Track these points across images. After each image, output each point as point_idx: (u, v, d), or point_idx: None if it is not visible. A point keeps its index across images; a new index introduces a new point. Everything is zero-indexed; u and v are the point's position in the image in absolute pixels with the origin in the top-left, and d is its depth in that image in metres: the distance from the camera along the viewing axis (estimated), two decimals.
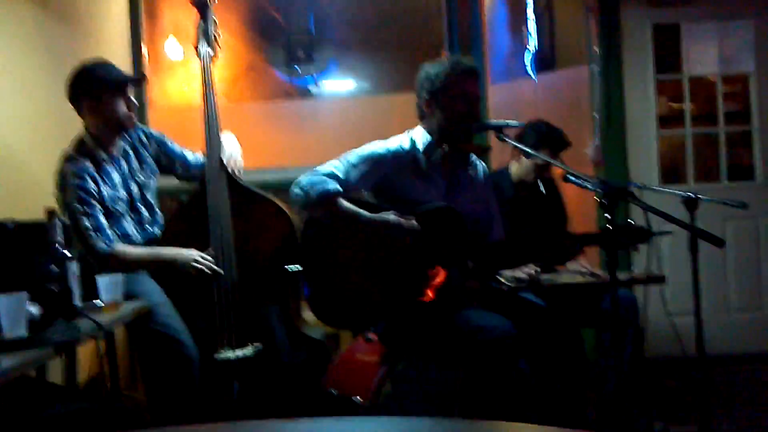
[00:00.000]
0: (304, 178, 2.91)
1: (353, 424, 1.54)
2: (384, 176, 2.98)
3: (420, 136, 3.04)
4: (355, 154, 2.97)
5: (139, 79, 3.29)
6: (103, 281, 2.61)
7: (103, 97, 3.08)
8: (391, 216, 2.89)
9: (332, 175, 2.91)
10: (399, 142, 3.04)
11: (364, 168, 2.95)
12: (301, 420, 1.57)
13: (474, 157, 3.20)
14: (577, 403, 3.16)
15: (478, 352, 2.75)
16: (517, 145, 3.01)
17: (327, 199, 2.86)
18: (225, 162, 3.24)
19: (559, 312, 3.39)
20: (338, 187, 2.88)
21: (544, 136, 3.60)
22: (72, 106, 3.14)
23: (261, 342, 3.13)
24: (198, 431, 1.48)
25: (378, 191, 3.02)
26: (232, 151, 3.30)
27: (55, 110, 3.76)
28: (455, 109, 2.96)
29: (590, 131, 4.90)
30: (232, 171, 3.25)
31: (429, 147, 3.01)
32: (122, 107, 3.10)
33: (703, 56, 5.07)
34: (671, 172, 5.18)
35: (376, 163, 2.96)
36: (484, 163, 3.28)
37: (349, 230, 2.93)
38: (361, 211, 2.90)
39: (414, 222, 2.88)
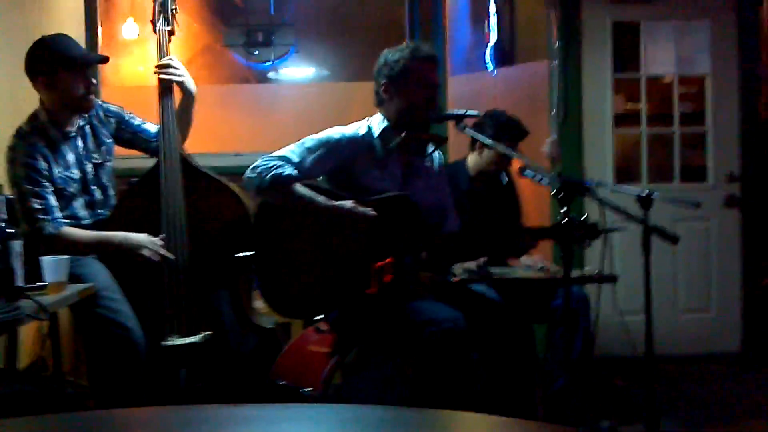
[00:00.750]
0: (258, 162, 2.86)
1: (299, 411, 1.51)
2: (340, 162, 2.94)
3: (377, 123, 3.01)
4: (311, 139, 2.94)
5: (101, 60, 3.19)
6: (47, 262, 2.53)
7: (60, 74, 2.98)
8: (347, 203, 2.85)
9: (287, 160, 2.86)
10: (356, 128, 3.01)
11: (320, 153, 2.91)
12: (248, 406, 1.54)
13: (431, 146, 3.18)
14: (526, 399, 3.16)
15: (428, 345, 2.74)
16: (476, 135, 2.99)
17: (281, 183, 2.82)
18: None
19: (512, 306, 3.40)
20: (293, 171, 2.83)
21: (503, 126, 3.59)
22: (29, 80, 3.04)
23: (210, 329, 3.07)
24: (142, 414, 1.44)
25: (333, 177, 2.99)
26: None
27: (7, 88, 3.65)
28: (414, 95, 2.94)
29: (547, 127, 4.91)
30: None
31: (385, 133, 2.98)
32: (80, 87, 3.01)
33: (661, 56, 5.10)
34: (625, 171, 5.22)
35: (332, 148, 2.93)
36: (440, 153, 3.26)
37: (302, 217, 2.89)
38: (317, 196, 2.86)
39: (369, 209, 2.85)
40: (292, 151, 2.89)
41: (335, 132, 2.98)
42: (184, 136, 3.27)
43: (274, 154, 2.89)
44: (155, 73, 3.22)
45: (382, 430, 1.25)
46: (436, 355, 2.75)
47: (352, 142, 2.97)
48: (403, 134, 2.96)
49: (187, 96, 3.26)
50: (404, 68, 2.93)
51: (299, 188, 2.86)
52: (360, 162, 2.97)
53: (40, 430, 1.33)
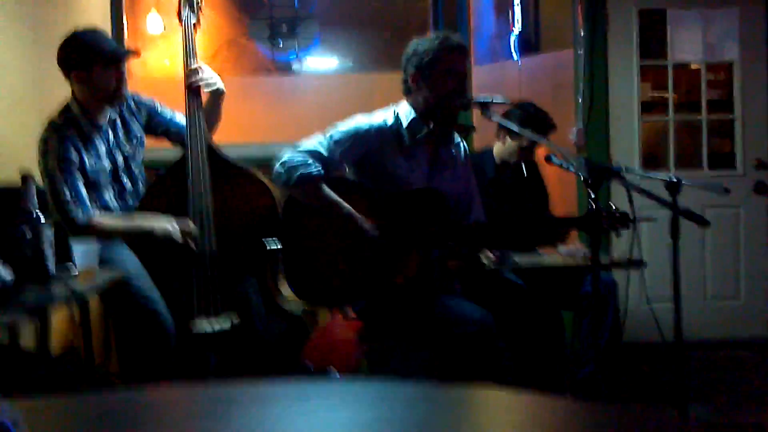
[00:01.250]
0: (286, 156, 2.87)
1: (329, 387, 1.52)
2: (367, 152, 2.95)
3: (405, 112, 3.00)
4: (338, 131, 2.94)
5: (133, 54, 3.21)
6: (78, 248, 2.57)
7: (93, 68, 3.01)
8: (364, 223, 2.86)
9: (315, 153, 2.87)
10: (383, 117, 3.01)
11: (348, 144, 2.91)
12: (277, 383, 1.55)
13: (457, 135, 3.17)
14: (554, 385, 3.16)
15: (456, 344, 2.75)
16: (503, 122, 2.98)
17: (308, 183, 2.83)
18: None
19: (539, 293, 3.39)
20: (320, 169, 2.85)
21: (531, 118, 3.57)
22: (62, 73, 3.07)
23: (238, 314, 3.09)
24: (173, 392, 1.46)
25: (360, 167, 2.99)
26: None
27: (33, 80, 3.69)
28: (442, 85, 2.93)
29: (573, 115, 4.88)
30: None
31: (414, 123, 2.98)
32: (112, 81, 3.04)
33: (688, 43, 5.06)
34: (652, 159, 5.19)
35: (360, 138, 2.93)
36: (465, 143, 3.26)
37: (330, 212, 2.90)
38: (342, 203, 2.87)
39: (375, 230, 2.85)
40: (321, 143, 2.90)
41: (363, 122, 2.97)
42: (211, 131, 3.30)
43: (303, 146, 2.90)
44: (185, 79, 3.23)
45: (411, 405, 1.25)
46: (464, 354, 2.75)
47: (380, 132, 2.97)
48: (432, 125, 2.96)
49: (216, 95, 3.28)
50: (434, 58, 2.91)
51: (325, 190, 2.87)
52: (387, 152, 2.97)
53: (72, 409, 1.35)
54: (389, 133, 2.98)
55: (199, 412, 1.28)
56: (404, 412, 1.21)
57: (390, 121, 3.00)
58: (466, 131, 3.17)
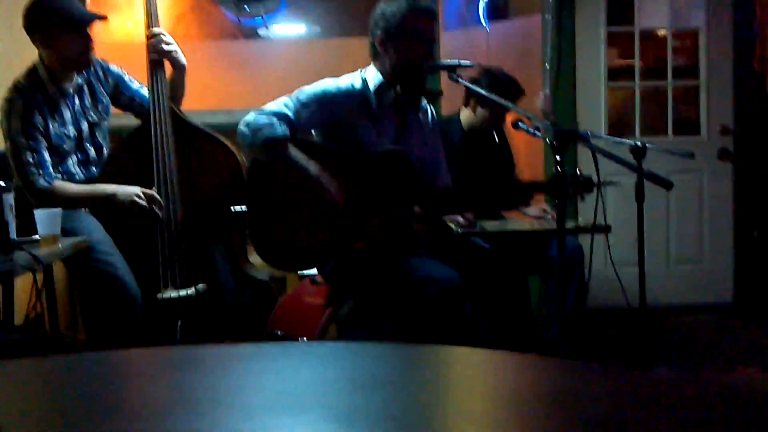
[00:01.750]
0: (251, 116, 2.84)
1: (298, 349, 1.52)
2: (333, 116, 2.92)
3: (372, 77, 2.98)
4: (305, 93, 2.91)
5: (100, 18, 3.14)
6: (40, 215, 2.52)
7: (59, 33, 2.95)
8: (330, 184, 2.84)
9: (281, 114, 2.84)
10: (351, 80, 2.98)
11: (314, 106, 2.89)
12: (246, 345, 1.55)
13: (425, 101, 3.16)
14: (520, 349, 3.19)
15: (424, 303, 2.75)
16: (470, 86, 2.97)
17: (273, 144, 2.80)
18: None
19: (505, 256, 3.41)
20: (286, 131, 2.82)
21: (499, 84, 3.57)
22: (27, 36, 3.00)
23: (205, 281, 3.08)
24: (139, 354, 1.45)
25: (326, 131, 2.97)
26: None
27: (3, 43, 3.61)
28: (410, 50, 2.91)
29: (541, 81, 4.89)
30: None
31: (381, 88, 2.96)
32: (79, 46, 2.98)
33: (655, 9, 5.07)
34: (619, 126, 5.21)
35: (327, 101, 2.90)
36: (433, 108, 3.25)
37: (296, 173, 2.88)
38: (308, 162, 2.85)
39: (338, 196, 2.83)
40: (286, 104, 2.87)
41: (330, 85, 2.95)
42: (176, 104, 3.26)
43: (268, 106, 2.87)
44: (147, 41, 3.18)
45: (380, 364, 1.26)
46: (432, 313, 2.76)
47: (347, 95, 2.94)
48: (399, 89, 2.94)
49: (178, 69, 3.23)
50: (401, 22, 2.89)
51: (291, 151, 2.84)
52: (354, 116, 2.95)
53: (37, 371, 1.33)
54: (356, 97, 2.95)
55: (166, 372, 1.27)
56: (372, 370, 1.21)
57: (357, 84, 2.98)
58: (434, 96, 3.16)
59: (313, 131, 3.00)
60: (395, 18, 2.89)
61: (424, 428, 0.97)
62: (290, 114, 2.85)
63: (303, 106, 2.88)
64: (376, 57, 2.99)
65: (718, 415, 0.99)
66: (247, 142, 2.83)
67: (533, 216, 3.55)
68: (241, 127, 2.84)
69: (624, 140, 3.08)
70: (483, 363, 1.31)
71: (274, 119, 2.82)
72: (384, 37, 2.93)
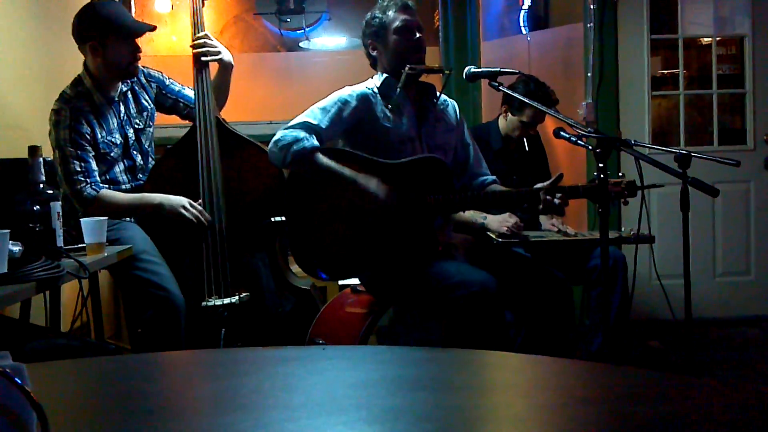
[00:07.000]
0: (279, 135, 2.88)
1: (338, 352, 1.52)
2: (354, 116, 2.97)
3: (377, 78, 3.09)
4: (323, 101, 2.99)
5: (150, 29, 3.18)
6: (87, 223, 2.56)
7: (110, 41, 3.00)
8: (371, 181, 2.86)
9: (305, 125, 2.87)
10: (363, 86, 3.09)
11: (335, 109, 2.95)
12: (287, 348, 1.55)
13: (444, 97, 3.20)
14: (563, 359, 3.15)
15: (457, 307, 2.74)
16: (509, 92, 2.96)
17: (304, 157, 2.83)
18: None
19: (547, 265, 3.38)
20: (314, 142, 2.85)
21: (533, 92, 3.56)
22: (76, 44, 3.06)
23: (248, 290, 3.10)
24: (183, 356, 1.46)
25: (350, 136, 3.00)
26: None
27: (40, 51, 3.69)
28: (398, 42, 3.01)
29: (583, 90, 4.85)
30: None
31: (387, 82, 3.03)
32: (128, 54, 3.03)
33: (699, 17, 5.01)
34: (662, 135, 5.16)
35: (344, 102, 2.98)
36: (454, 103, 3.27)
37: (332, 181, 2.90)
38: (342, 168, 2.87)
39: (385, 193, 2.85)
40: (308, 114, 2.92)
41: (344, 91, 3.04)
42: (220, 105, 3.30)
43: (292, 123, 2.90)
44: (191, 47, 3.23)
45: (418, 368, 1.25)
46: (466, 318, 2.75)
47: (362, 96, 3.02)
48: (405, 70, 2.97)
49: (225, 67, 3.28)
50: (382, 20, 3.03)
51: (323, 159, 2.87)
52: (372, 113, 3.01)
53: (83, 372, 1.35)
54: (371, 97, 3.04)
55: (210, 374, 1.28)
56: (413, 372, 1.21)
57: (369, 87, 3.07)
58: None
59: (339, 140, 3.04)
60: (377, 19, 3.04)
61: (463, 430, 0.97)
62: (313, 121, 2.89)
63: (323, 111, 2.93)
64: (375, 64, 3.12)
65: None
66: (280, 161, 2.87)
67: (545, 229, 3.54)
68: (271, 147, 2.88)
69: (669, 149, 3.04)
70: (523, 367, 1.30)
71: (301, 133, 2.85)
72: (373, 42, 3.07)
